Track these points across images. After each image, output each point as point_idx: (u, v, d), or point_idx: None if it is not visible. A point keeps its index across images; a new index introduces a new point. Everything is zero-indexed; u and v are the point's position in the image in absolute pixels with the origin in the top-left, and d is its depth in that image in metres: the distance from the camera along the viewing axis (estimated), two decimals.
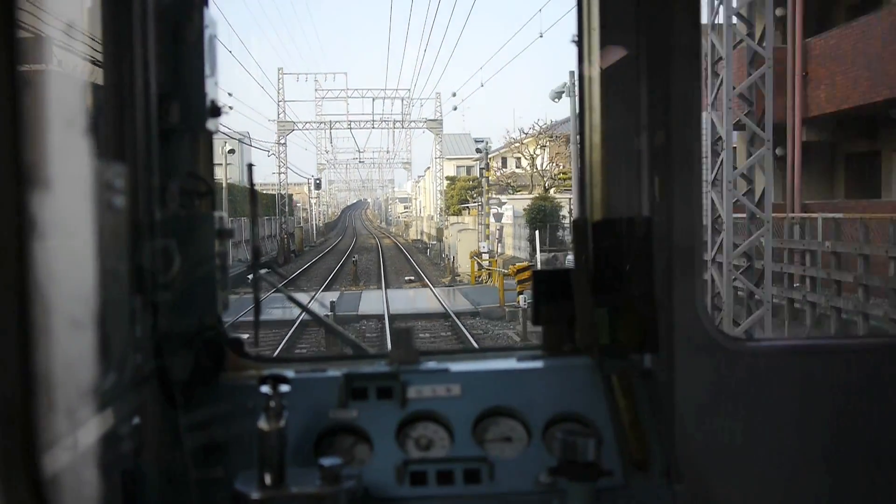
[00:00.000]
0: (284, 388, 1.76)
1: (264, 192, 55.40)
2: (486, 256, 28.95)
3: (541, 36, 27.31)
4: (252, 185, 2.31)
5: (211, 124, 2.07)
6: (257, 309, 2.24)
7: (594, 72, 2.26)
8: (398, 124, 59.08)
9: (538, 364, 2.30)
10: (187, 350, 2.05)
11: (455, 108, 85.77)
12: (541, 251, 25.20)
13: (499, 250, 31.71)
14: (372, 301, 23.16)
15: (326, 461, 1.75)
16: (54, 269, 1.21)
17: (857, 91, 17.56)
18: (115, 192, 1.59)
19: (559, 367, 2.26)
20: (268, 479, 1.73)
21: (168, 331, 1.89)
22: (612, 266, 2.23)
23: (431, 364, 2.25)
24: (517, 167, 57.16)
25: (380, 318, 20.01)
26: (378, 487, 1.98)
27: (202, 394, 2.08)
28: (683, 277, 2.09)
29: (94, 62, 1.59)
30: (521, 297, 19.36)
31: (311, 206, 77.40)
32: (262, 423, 1.74)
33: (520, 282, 20.67)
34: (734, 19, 13.85)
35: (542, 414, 2.12)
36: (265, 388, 1.75)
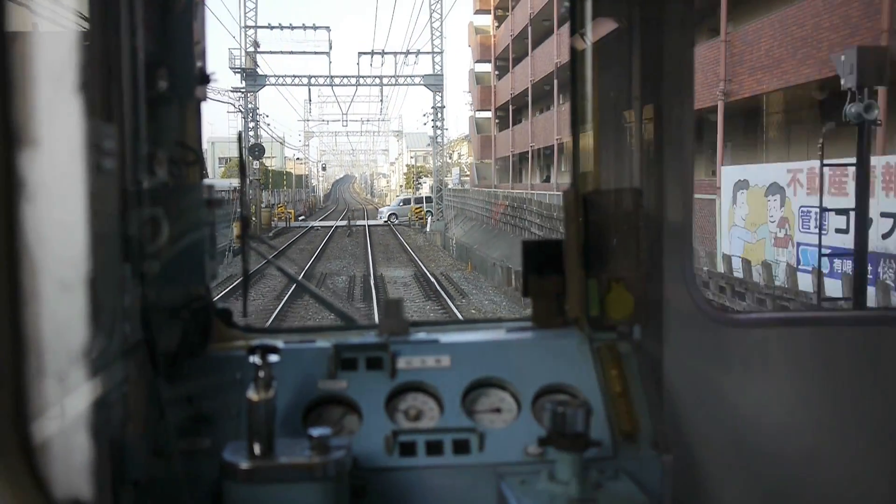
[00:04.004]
0: (274, 358, 1.76)
1: (294, 172, 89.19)
2: (413, 206, 63.18)
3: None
4: (242, 162, 2.42)
5: (199, 92, 2.02)
6: (246, 278, 2.25)
7: (586, 43, 2.24)
8: (376, 131, 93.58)
9: (528, 335, 2.30)
10: (175, 320, 2.02)
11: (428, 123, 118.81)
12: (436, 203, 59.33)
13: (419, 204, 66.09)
14: (361, 223, 57.26)
15: (316, 431, 1.74)
16: (42, 233, 1.18)
17: (516, 145, 50.59)
18: (102, 158, 1.53)
19: (549, 339, 2.26)
20: (257, 450, 1.72)
21: (156, 301, 1.85)
22: (602, 238, 2.21)
23: (421, 335, 2.25)
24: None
25: (364, 227, 53.59)
26: (367, 458, 1.97)
27: (190, 364, 2.06)
28: (673, 249, 2.09)
29: (82, 27, 1.51)
30: (416, 219, 53.78)
31: (318, 182, 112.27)
32: (252, 394, 1.73)
33: (416, 214, 54.69)
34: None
35: (532, 385, 2.12)
36: (254, 359, 1.75)
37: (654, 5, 2.10)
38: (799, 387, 2.11)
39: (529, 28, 43.81)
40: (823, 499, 2.10)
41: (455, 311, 18.83)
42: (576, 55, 2.26)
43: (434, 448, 2.01)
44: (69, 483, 1.24)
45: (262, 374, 1.74)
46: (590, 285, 2.20)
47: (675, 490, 2.03)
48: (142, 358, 1.79)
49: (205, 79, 2.01)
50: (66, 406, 1.27)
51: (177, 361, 2.00)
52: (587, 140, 2.26)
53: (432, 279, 24.24)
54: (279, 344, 1.93)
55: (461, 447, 2.02)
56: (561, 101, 41.55)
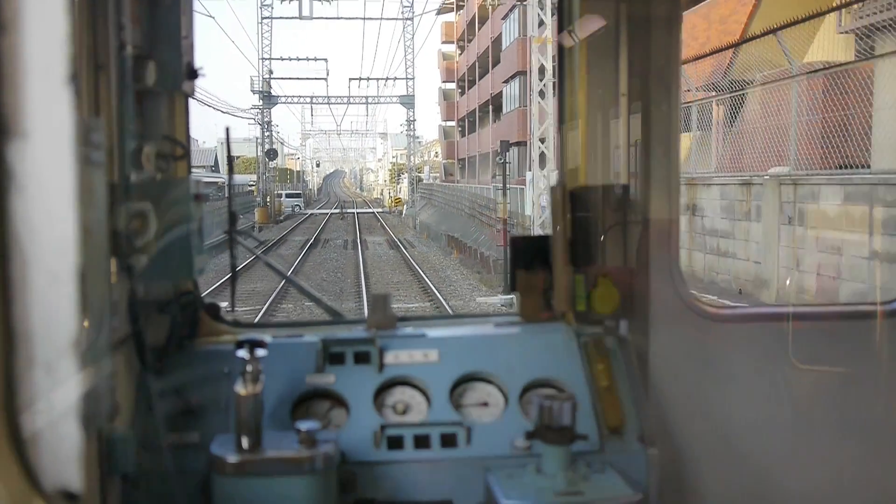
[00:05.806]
0: (261, 352, 1.78)
1: (291, 169, 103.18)
2: (393, 197, 77.32)
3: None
4: (230, 160, 2.38)
5: (187, 87, 2.02)
6: (234, 272, 2.24)
7: (574, 40, 2.28)
8: (365, 133, 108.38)
9: (515, 330, 2.35)
10: (163, 314, 2.04)
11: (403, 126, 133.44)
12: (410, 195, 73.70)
13: (398, 195, 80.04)
14: (351, 210, 71.51)
15: (303, 425, 1.78)
16: (31, 225, 1.18)
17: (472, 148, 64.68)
18: (91, 152, 1.52)
19: (536, 333, 2.29)
20: (245, 443, 1.75)
21: (144, 294, 1.84)
22: (589, 234, 2.25)
23: (409, 329, 2.28)
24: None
25: (353, 214, 67.60)
26: (355, 451, 2.01)
27: (178, 358, 2.08)
28: (659, 245, 2.12)
29: (70, 20, 1.44)
30: (395, 208, 68.28)
31: (313, 178, 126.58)
32: (239, 388, 1.76)
33: (395, 203, 68.91)
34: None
35: (519, 379, 2.16)
36: (242, 353, 1.77)
37: (641, 4, 2.15)
38: (782, 380, 2.13)
39: (477, 64, 57.99)
40: (804, 489, 2.12)
41: (407, 254, 32.67)
42: (563, 52, 2.36)
43: (421, 442, 2.07)
44: (58, 474, 1.23)
45: (249, 368, 1.79)
46: (577, 280, 2.26)
47: (660, 482, 2.07)
48: (130, 351, 1.81)
49: (192, 74, 2.02)
50: (55, 398, 1.26)
51: (165, 355, 2.04)
52: (574, 136, 2.35)
53: (397, 241, 38.45)
54: (267, 338, 1.95)
55: (448, 441, 2.07)
56: (500, 118, 55.56)
